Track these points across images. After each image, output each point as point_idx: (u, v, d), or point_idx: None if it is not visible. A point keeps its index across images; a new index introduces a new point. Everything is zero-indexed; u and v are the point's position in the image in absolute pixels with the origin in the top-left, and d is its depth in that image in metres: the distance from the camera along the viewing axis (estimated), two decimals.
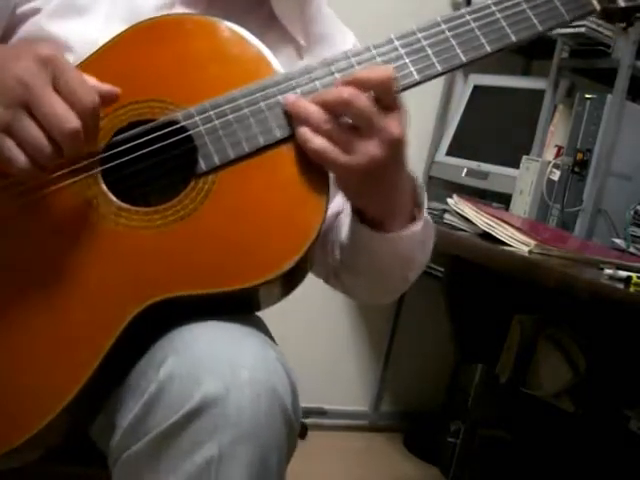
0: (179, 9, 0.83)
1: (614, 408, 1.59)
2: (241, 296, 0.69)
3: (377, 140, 0.69)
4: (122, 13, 0.80)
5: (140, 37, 0.75)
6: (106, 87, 0.68)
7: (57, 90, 0.64)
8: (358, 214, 0.78)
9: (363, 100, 0.69)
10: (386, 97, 0.70)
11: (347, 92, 0.69)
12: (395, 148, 0.70)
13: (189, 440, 0.60)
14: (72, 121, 0.63)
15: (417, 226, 0.78)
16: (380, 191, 0.74)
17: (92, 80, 0.67)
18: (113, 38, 0.75)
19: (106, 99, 0.67)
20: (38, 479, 0.74)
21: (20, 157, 0.63)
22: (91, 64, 0.74)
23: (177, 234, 0.69)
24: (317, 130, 0.69)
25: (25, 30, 0.81)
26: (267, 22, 0.86)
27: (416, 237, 0.79)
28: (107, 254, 0.69)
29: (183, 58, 0.75)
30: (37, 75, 0.63)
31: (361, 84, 0.69)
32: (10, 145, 0.63)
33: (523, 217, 1.82)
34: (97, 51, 0.75)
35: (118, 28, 0.75)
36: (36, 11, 0.81)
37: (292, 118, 0.71)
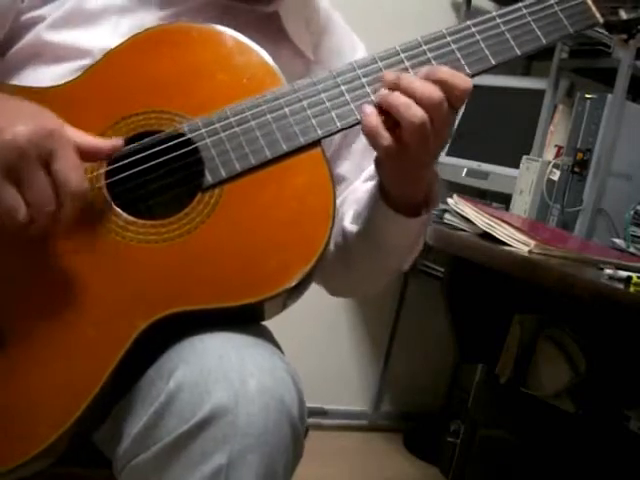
0: None
1: (614, 408, 1.59)
2: (248, 309, 0.69)
3: (440, 138, 0.73)
4: (127, 27, 0.80)
5: (146, 45, 0.75)
6: (107, 144, 0.68)
7: (49, 166, 0.63)
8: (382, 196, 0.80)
9: (447, 109, 0.71)
10: (459, 105, 0.72)
11: (438, 96, 0.70)
12: (442, 146, 0.75)
13: (199, 450, 0.61)
14: (50, 205, 0.63)
15: (429, 214, 0.81)
16: (420, 180, 0.77)
17: (92, 140, 0.67)
18: (118, 46, 0.75)
19: (108, 154, 0.68)
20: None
21: None
22: (96, 72, 0.74)
23: (184, 248, 0.69)
24: (426, 105, 0.70)
25: (29, 38, 0.80)
26: (277, 37, 0.85)
27: (426, 224, 0.83)
28: (114, 268, 0.69)
29: (190, 67, 0.74)
30: (35, 148, 0.62)
31: (446, 88, 0.71)
32: None
33: (523, 217, 1.82)
34: (102, 59, 0.74)
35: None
36: (41, 19, 0.80)
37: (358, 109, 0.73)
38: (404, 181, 0.77)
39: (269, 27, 0.85)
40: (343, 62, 0.77)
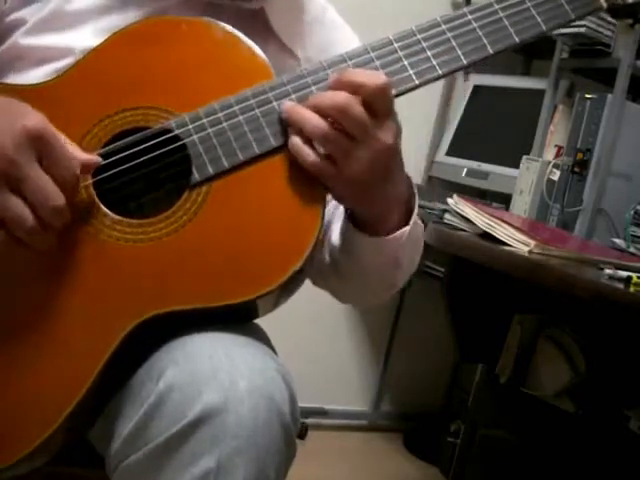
0: None
1: (614, 408, 1.59)
2: (238, 308, 0.68)
3: (370, 148, 0.68)
4: (109, 26, 0.78)
5: (132, 40, 0.74)
6: (87, 157, 0.67)
7: (42, 164, 0.62)
8: (350, 217, 0.77)
9: (359, 109, 0.67)
10: (380, 105, 0.68)
11: (343, 99, 0.67)
12: (387, 157, 0.70)
13: (189, 451, 0.60)
14: (57, 199, 0.62)
15: (405, 231, 0.76)
16: (371, 197, 0.72)
17: (76, 151, 0.66)
18: (101, 43, 0.73)
19: (86, 169, 0.67)
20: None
21: None
22: (79, 69, 0.73)
23: (171, 247, 0.68)
24: (313, 138, 0.68)
25: (11, 42, 0.80)
26: (263, 34, 0.83)
27: (403, 241, 0.76)
28: (102, 267, 0.68)
29: (178, 62, 0.73)
30: (23, 151, 0.61)
31: (355, 89, 0.68)
32: None
33: (523, 217, 1.82)
34: (85, 56, 0.73)
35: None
36: (22, 22, 0.79)
37: (287, 126, 0.70)
38: (358, 201, 0.73)
39: (254, 24, 0.82)
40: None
